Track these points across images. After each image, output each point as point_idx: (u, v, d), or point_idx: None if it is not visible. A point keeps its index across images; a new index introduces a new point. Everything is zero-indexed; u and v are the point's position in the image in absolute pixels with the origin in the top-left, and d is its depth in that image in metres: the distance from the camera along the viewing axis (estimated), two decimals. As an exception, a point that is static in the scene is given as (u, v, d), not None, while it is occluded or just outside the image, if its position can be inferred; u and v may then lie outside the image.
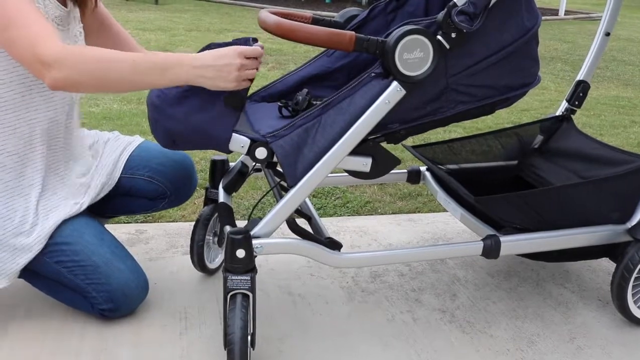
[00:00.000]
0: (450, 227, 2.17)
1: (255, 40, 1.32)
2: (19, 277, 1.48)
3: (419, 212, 2.32)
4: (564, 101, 1.99)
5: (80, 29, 1.56)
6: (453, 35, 1.28)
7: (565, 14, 10.41)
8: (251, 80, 1.29)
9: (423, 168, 1.88)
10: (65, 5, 1.48)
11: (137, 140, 1.73)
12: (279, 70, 4.62)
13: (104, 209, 1.65)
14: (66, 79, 1.25)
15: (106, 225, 1.79)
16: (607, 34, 1.90)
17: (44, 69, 1.25)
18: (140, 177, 1.67)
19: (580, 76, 1.97)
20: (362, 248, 1.98)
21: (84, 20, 1.58)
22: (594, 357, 1.51)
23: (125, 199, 1.69)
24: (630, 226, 1.58)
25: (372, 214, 2.29)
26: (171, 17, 7.06)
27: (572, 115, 1.98)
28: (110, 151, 1.66)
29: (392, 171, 1.65)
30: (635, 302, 1.60)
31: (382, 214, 2.29)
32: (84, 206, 1.54)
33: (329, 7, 9.18)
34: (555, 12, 10.48)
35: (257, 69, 1.29)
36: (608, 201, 1.56)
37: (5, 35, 1.29)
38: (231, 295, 1.28)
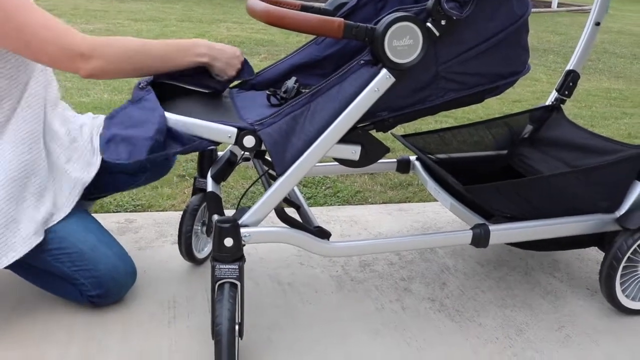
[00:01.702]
0: (440, 216, 2.17)
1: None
2: (7, 267, 1.46)
3: (409, 201, 2.32)
4: (554, 91, 1.99)
5: None
6: (443, 22, 1.27)
7: (558, 7, 10.43)
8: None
9: (413, 157, 1.87)
10: None
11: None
12: (271, 60, 4.60)
13: (85, 188, 1.61)
14: (103, 67, 1.33)
15: (96, 215, 1.77)
16: (597, 24, 1.90)
17: (81, 61, 1.31)
18: None
19: (570, 66, 1.96)
20: (352, 237, 1.97)
21: None
22: (582, 346, 1.51)
23: (104, 176, 1.63)
24: (618, 215, 1.58)
25: (362, 204, 2.28)
26: (163, 8, 7.02)
27: (562, 105, 1.99)
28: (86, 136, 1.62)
29: (382, 160, 1.65)
30: (623, 291, 1.61)
31: (372, 203, 2.29)
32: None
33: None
34: (548, 4, 10.50)
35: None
36: (597, 190, 1.56)
37: (19, 36, 1.29)
38: (219, 285, 1.27)
